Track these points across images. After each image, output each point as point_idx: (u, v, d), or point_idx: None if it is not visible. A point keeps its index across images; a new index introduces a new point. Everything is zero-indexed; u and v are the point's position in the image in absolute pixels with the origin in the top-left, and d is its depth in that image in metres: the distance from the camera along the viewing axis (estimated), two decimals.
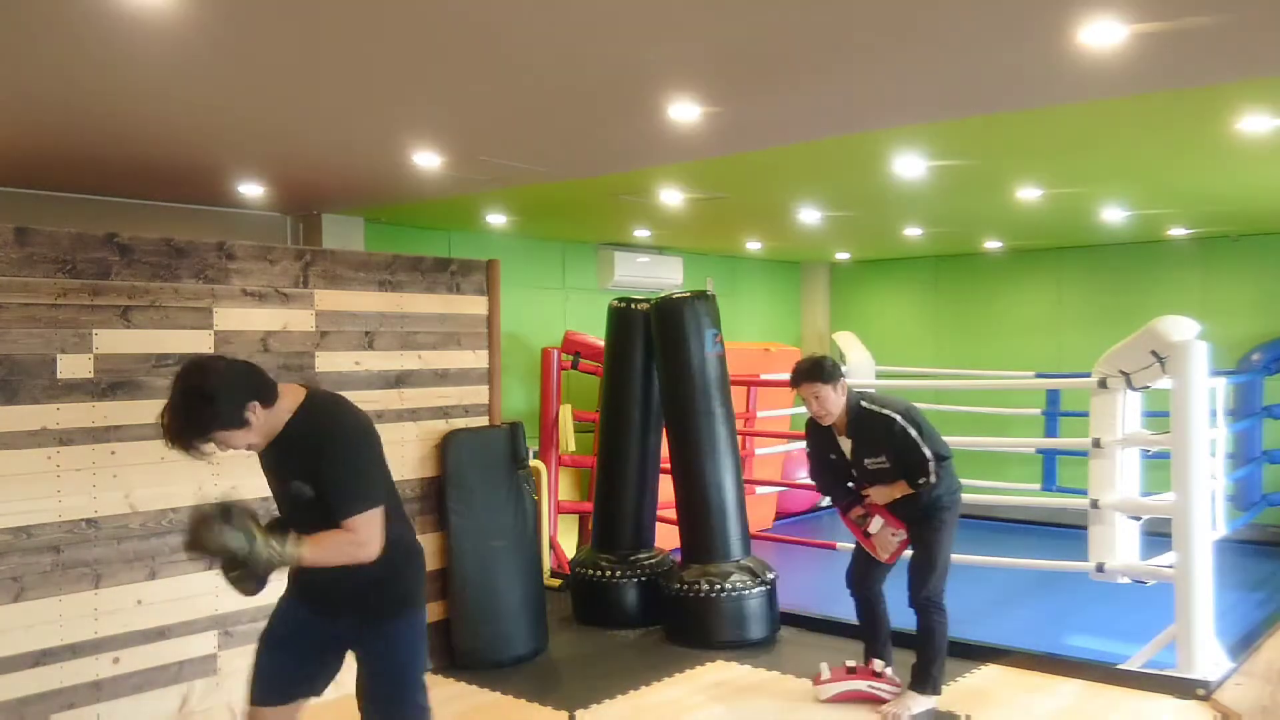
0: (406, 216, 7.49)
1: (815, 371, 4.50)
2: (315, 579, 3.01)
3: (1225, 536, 6.20)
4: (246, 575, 2.80)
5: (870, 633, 4.93)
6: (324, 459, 2.83)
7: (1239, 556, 7.76)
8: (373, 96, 4.05)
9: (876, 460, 4.53)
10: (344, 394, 5.12)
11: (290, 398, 2.89)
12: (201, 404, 2.71)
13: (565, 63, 3.58)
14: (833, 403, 4.49)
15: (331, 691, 4.99)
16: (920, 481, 4.43)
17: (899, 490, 4.52)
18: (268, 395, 2.82)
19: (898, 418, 4.42)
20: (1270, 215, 7.66)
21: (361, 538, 2.82)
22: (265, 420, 2.82)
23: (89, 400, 4.16)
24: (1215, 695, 4.76)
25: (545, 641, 5.64)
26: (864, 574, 4.88)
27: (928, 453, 4.40)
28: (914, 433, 4.41)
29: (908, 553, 4.76)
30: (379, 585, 3.02)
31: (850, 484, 4.75)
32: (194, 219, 6.71)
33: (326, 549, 2.83)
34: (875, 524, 4.70)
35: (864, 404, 4.53)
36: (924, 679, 4.64)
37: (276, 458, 2.94)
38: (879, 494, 4.59)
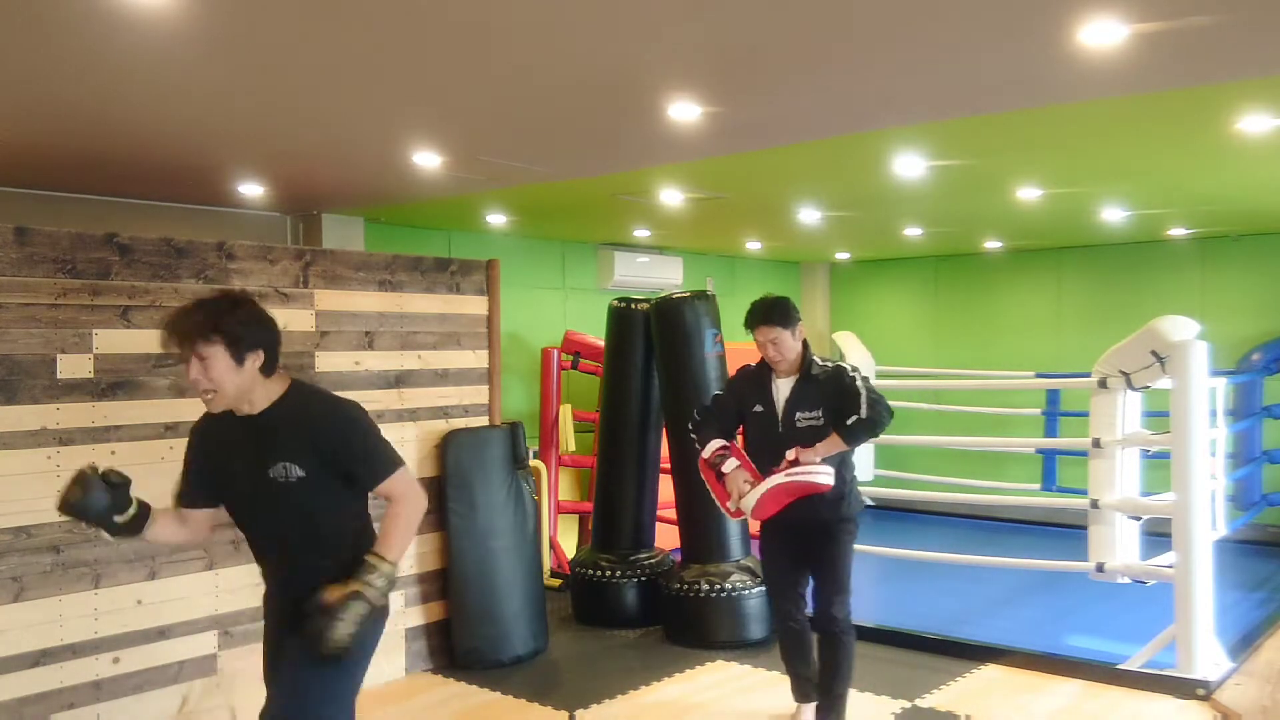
0: (406, 216, 7.49)
1: (774, 314, 4.07)
2: (293, 584, 2.84)
3: (1225, 536, 6.21)
4: (368, 614, 2.71)
5: (800, 662, 4.40)
6: (335, 433, 2.76)
7: (1239, 556, 7.77)
8: (372, 96, 4.05)
9: (810, 415, 4.07)
10: (345, 394, 5.16)
11: (276, 383, 2.81)
12: (227, 311, 2.68)
13: (565, 63, 3.58)
14: (789, 348, 4.10)
15: None
16: (850, 420, 3.97)
17: (830, 446, 4.02)
18: (271, 363, 2.76)
19: (848, 367, 4.11)
20: (1270, 215, 7.66)
21: (413, 494, 2.80)
22: (250, 383, 2.72)
23: (89, 400, 4.16)
24: (1215, 695, 4.76)
25: (545, 641, 5.64)
26: (788, 587, 4.34)
27: (864, 398, 3.99)
28: (860, 384, 4.03)
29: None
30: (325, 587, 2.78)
31: (761, 445, 4.23)
32: (194, 219, 6.70)
33: (401, 533, 2.77)
34: (730, 464, 4.15)
35: (816, 357, 4.16)
36: (837, 707, 4.28)
37: (246, 441, 2.79)
38: (809, 453, 4.01)
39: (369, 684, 5.09)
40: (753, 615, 5.72)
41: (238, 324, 2.67)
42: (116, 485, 2.77)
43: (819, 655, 4.30)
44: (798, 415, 4.09)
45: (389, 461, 2.80)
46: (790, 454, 4.04)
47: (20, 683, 3.96)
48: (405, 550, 2.79)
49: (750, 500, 4.07)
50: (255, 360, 2.70)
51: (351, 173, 5.68)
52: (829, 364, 4.17)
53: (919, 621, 6.12)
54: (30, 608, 4.00)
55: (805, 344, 4.20)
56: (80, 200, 6.23)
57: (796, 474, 4.01)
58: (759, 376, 4.25)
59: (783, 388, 4.15)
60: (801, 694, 4.42)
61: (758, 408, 4.18)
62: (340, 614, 2.64)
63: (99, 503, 2.73)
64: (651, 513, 6.53)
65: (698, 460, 4.32)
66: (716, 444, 4.20)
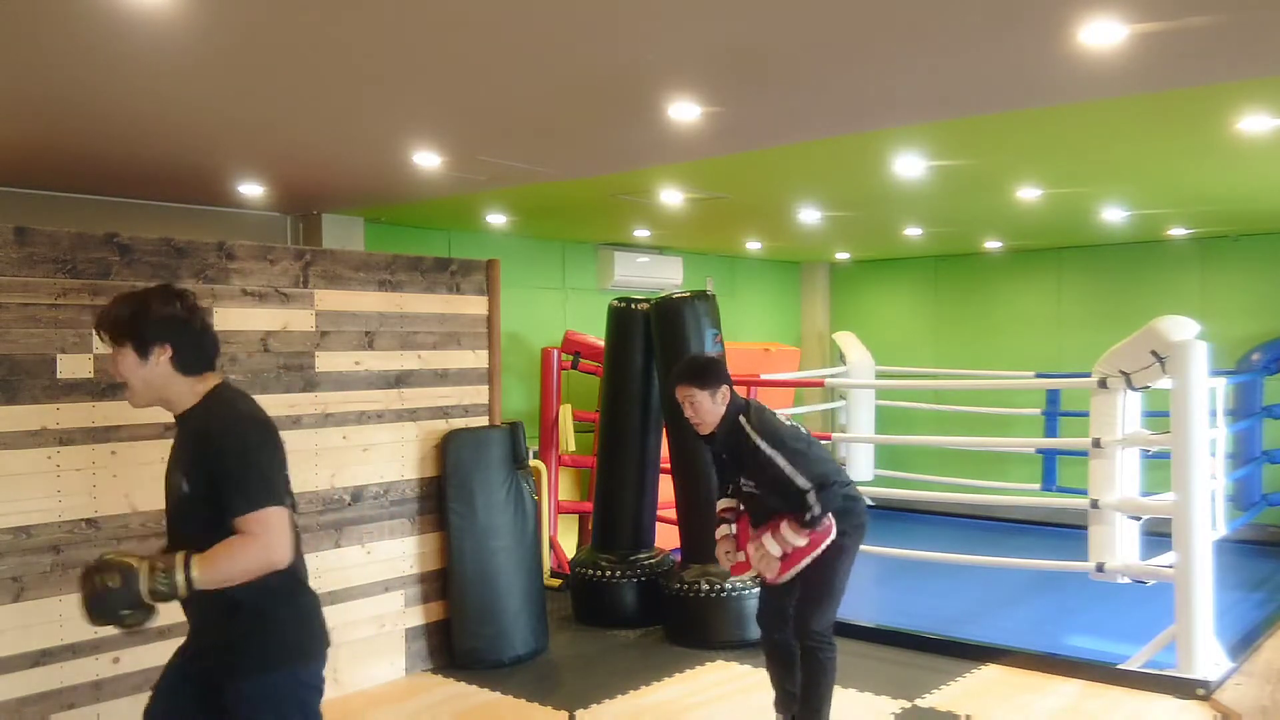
0: (406, 216, 7.49)
1: (690, 374, 3.98)
2: (192, 615, 2.66)
3: (1225, 536, 6.21)
4: (137, 614, 2.50)
5: (784, 677, 4.28)
6: (217, 450, 2.50)
7: (1239, 556, 7.77)
8: (373, 96, 4.05)
9: (749, 484, 4.01)
10: (344, 393, 5.15)
11: (203, 384, 2.62)
12: (136, 306, 2.57)
13: (565, 63, 3.58)
14: (707, 411, 3.94)
15: (332, 690, 4.99)
16: (806, 517, 3.83)
17: (782, 543, 3.93)
18: (188, 358, 2.58)
19: (762, 444, 3.87)
20: (1270, 215, 7.66)
21: (263, 540, 2.42)
22: (161, 380, 2.57)
23: (89, 400, 4.16)
24: (1215, 695, 4.76)
25: (545, 641, 5.64)
26: (774, 612, 4.22)
27: (803, 482, 3.83)
28: (781, 461, 3.85)
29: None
30: (243, 629, 2.57)
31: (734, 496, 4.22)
32: (194, 219, 6.70)
33: (221, 560, 2.41)
34: (721, 530, 4.20)
35: (740, 419, 3.96)
36: (816, 718, 4.10)
37: (174, 445, 2.69)
38: (769, 544, 3.95)
39: (369, 684, 5.11)
40: (753, 615, 5.67)
41: (141, 319, 2.56)
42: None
43: (799, 665, 4.16)
44: (741, 481, 4.04)
45: (257, 494, 2.45)
46: (767, 552, 3.98)
47: (20, 683, 3.96)
48: (215, 581, 2.42)
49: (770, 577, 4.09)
50: (161, 354, 2.55)
51: (351, 173, 5.68)
52: (748, 430, 3.93)
53: (919, 621, 6.12)
54: (30, 608, 4.00)
55: (733, 407, 4.00)
56: (80, 200, 6.23)
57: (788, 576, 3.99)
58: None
59: (723, 452, 4.11)
60: (784, 706, 4.29)
61: (724, 455, 4.13)
62: (96, 581, 2.41)
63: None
64: (651, 513, 6.52)
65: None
66: (724, 503, 4.23)
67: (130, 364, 2.58)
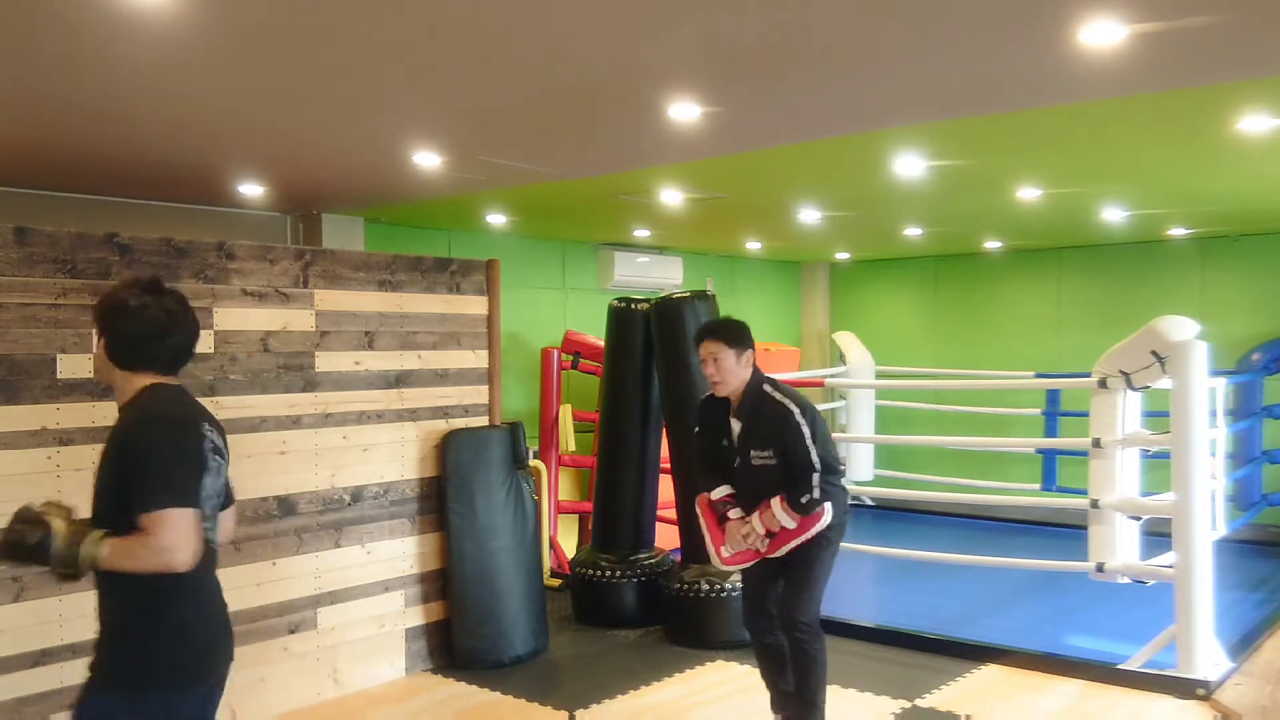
0: (406, 216, 7.49)
1: (720, 330, 4.07)
2: (99, 608, 2.60)
3: (1225, 536, 6.20)
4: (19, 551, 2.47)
5: (776, 677, 4.27)
6: (129, 449, 2.45)
7: (1239, 556, 7.77)
8: (373, 96, 4.05)
9: (763, 455, 4.00)
10: (344, 393, 5.13)
11: (139, 381, 2.57)
12: (109, 291, 2.61)
13: (565, 63, 3.58)
14: (730, 371, 4.02)
15: (332, 690, 5.00)
16: (803, 499, 3.90)
17: (771, 521, 4.00)
18: (117, 351, 2.55)
19: (795, 411, 3.94)
20: (1270, 215, 7.66)
21: (161, 541, 2.33)
22: (105, 368, 2.60)
23: (89, 400, 4.16)
24: (1215, 695, 4.76)
25: (545, 641, 5.64)
26: (759, 613, 4.23)
27: (815, 461, 3.90)
28: (807, 432, 3.91)
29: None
30: (107, 641, 2.53)
31: (730, 482, 4.19)
32: (194, 219, 6.71)
33: (125, 550, 2.37)
34: (735, 512, 4.14)
35: (766, 387, 4.05)
36: (813, 713, 4.10)
37: None
38: (756, 522, 4.03)
39: (369, 684, 5.11)
40: None
41: (100, 305, 2.59)
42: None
43: (790, 662, 4.17)
44: (751, 453, 4.05)
45: (158, 494, 2.36)
46: (754, 527, 4.05)
47: (20, 683, 3.96)
48: (116, 566, 2.39)
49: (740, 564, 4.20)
50: (101, 344, 2.57)
51: (352, 173, 5.69)
52: (778, 398, 4.02)
53: (919, 621, 6.12)
54: (30, 608, 3.99)
55: (756, 376, 4.10)
56: (80, 200, 6.23)
57: (779, 553, 4.06)
58: (720, 409, 4.19)
59: (735, 425, 4.12)
60: (780, 705, 4.29)
61: (725, 441, 4.16)
62: (20, 531, 2.41)
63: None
64: (651, 513, 6.53)
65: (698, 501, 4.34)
66: (726, 490, 4.20)
67: (95, 349, 2.64)
